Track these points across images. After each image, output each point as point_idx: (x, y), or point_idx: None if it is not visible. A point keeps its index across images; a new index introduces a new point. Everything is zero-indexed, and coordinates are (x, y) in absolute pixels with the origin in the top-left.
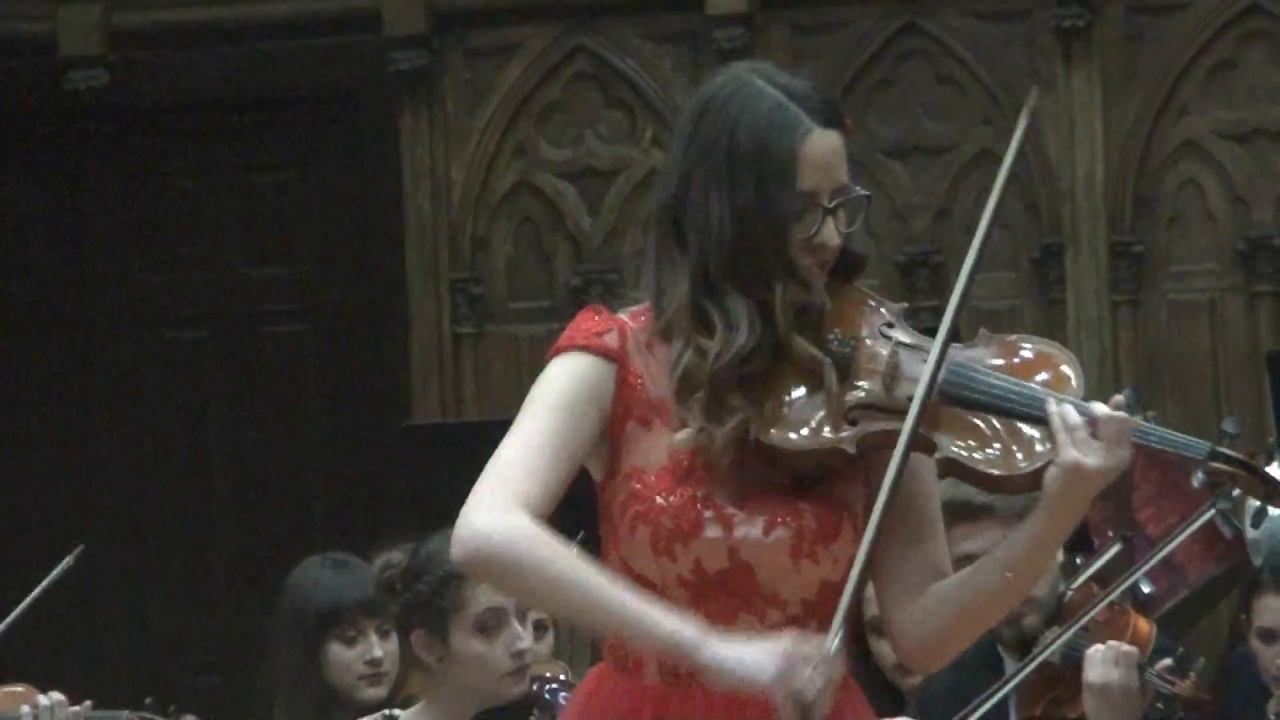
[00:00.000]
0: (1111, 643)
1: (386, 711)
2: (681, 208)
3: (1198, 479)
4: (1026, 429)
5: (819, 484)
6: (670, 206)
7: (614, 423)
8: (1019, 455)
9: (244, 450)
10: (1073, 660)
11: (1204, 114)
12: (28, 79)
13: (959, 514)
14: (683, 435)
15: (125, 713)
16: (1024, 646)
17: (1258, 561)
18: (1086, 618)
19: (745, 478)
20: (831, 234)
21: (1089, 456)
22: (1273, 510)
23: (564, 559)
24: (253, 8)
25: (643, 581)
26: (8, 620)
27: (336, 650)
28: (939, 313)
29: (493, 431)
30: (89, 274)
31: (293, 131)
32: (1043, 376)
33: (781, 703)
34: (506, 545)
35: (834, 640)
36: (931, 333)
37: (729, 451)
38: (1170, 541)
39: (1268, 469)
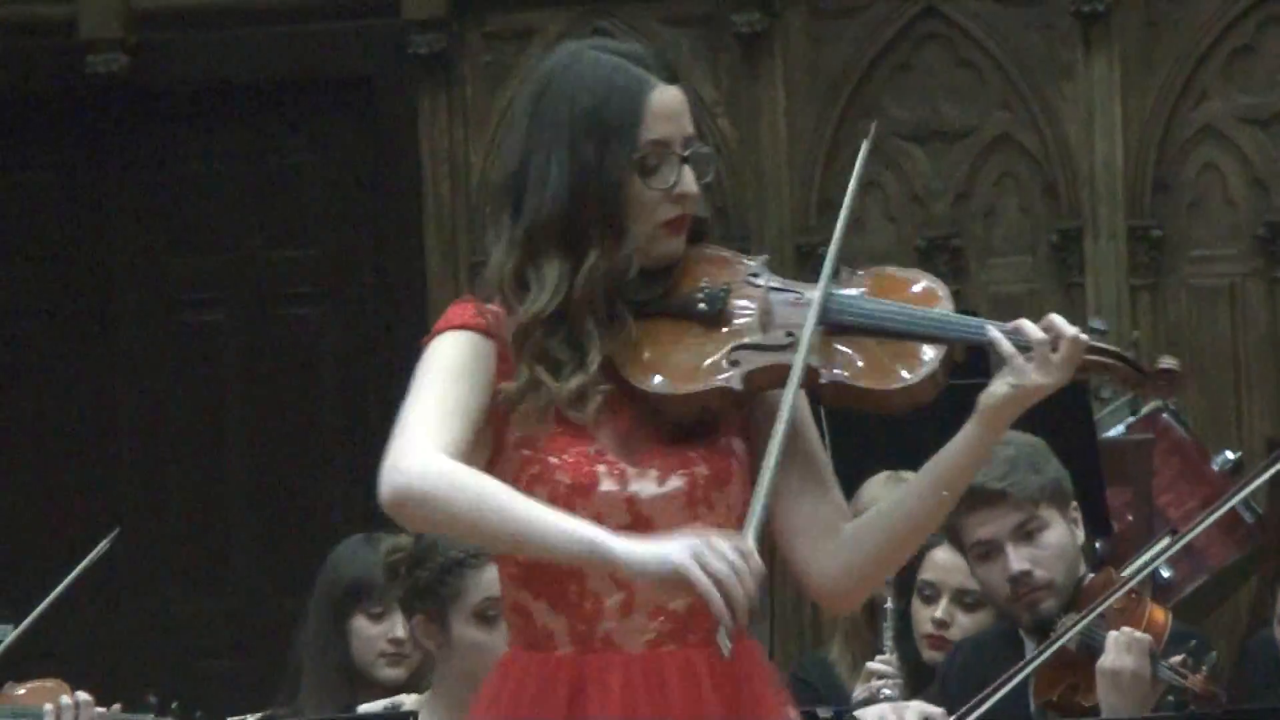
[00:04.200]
0: (1125, 629)
1: (395, 699)
2: (521, 182)
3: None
4: (908, 345)
5: (703, 435)
6: (509, 184)
7: (496, 399)
8: (903, 370)
9: (262, 432)
10: (1089, 647)
11: (1224, 98)
12: (48, 62)
13: (974, 500)
14: (506, 385)
15: (151, 717)
16: (1043, 631)
17: None
18: (1104, 604)
19: (632, 433)
20: (690, 182)
21: (1049, 375)
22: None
23: (482, 484)
24: None
25: None
26: (44, 604)
27: (361, 624)
28: (960, 296)
29: None
30: (108, 257)
31: (312, 115)
32: (916, 290)
33: (704, 589)
34: (424, 479)
35: (750, 532)
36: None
37: (577, 405)
38: (1194, 528)
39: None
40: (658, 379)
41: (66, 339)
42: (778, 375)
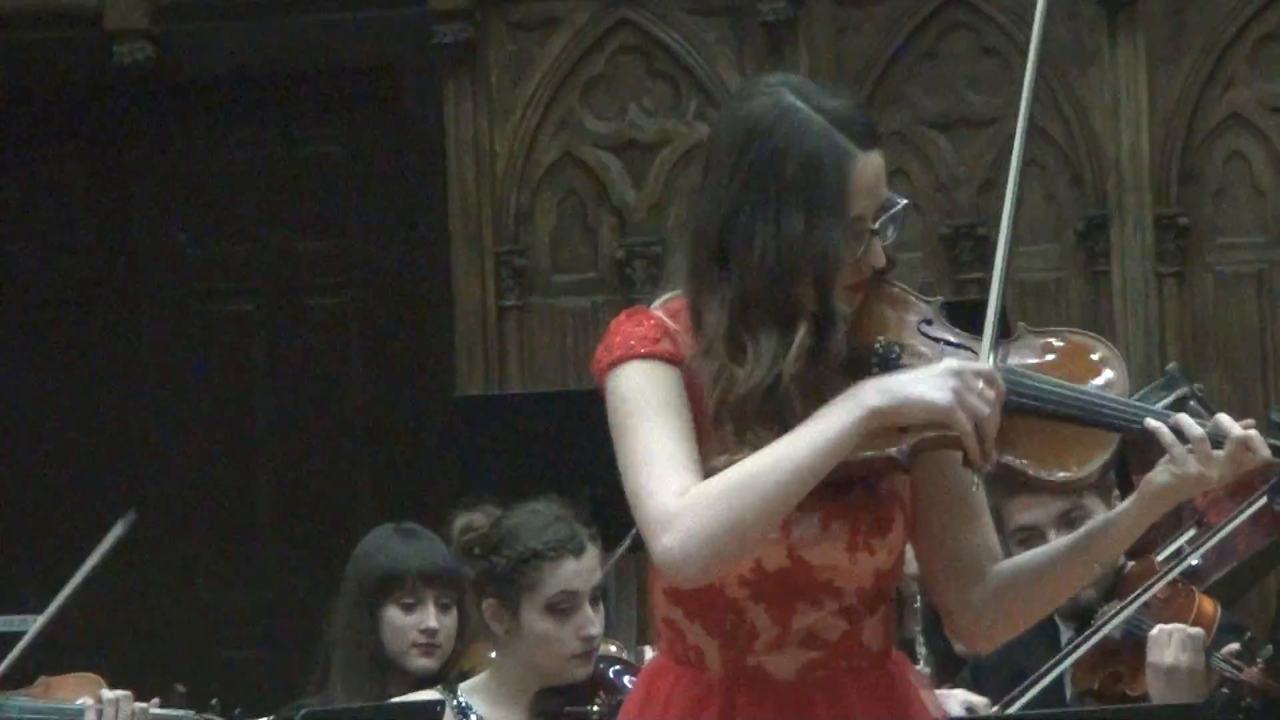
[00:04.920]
0: (1179, 625)
1: (444, 685)
2: (728, 233)
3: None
4: (1074, 432)
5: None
6: (715, 230)
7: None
8: (1071, 461)
9: (288, 423)
10: (1133, 636)
11: (1250, 86)
12: (74, 52)
13: (1018, 486)
14: (721, 461)
15: (190, 713)
16: (1081, 618)
17: None
18: (1148, 594)
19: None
20: (879, 254)
21: (1211, 469)
22: None
23: (735, 474)
24: None
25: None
26: (64, 593)
27: (393, 615)
28: (983, 284)
29: (537, 404)
30: (134, 247)
31: (337, 105)
32: (1096, 380)
33: (960, 422)
34: (688, 536)
35: (988, 355)
36: (975, 306)
37: None
38: (1229, 523)
39: None
40: None
41: (93, 329)
42: (944, 443)
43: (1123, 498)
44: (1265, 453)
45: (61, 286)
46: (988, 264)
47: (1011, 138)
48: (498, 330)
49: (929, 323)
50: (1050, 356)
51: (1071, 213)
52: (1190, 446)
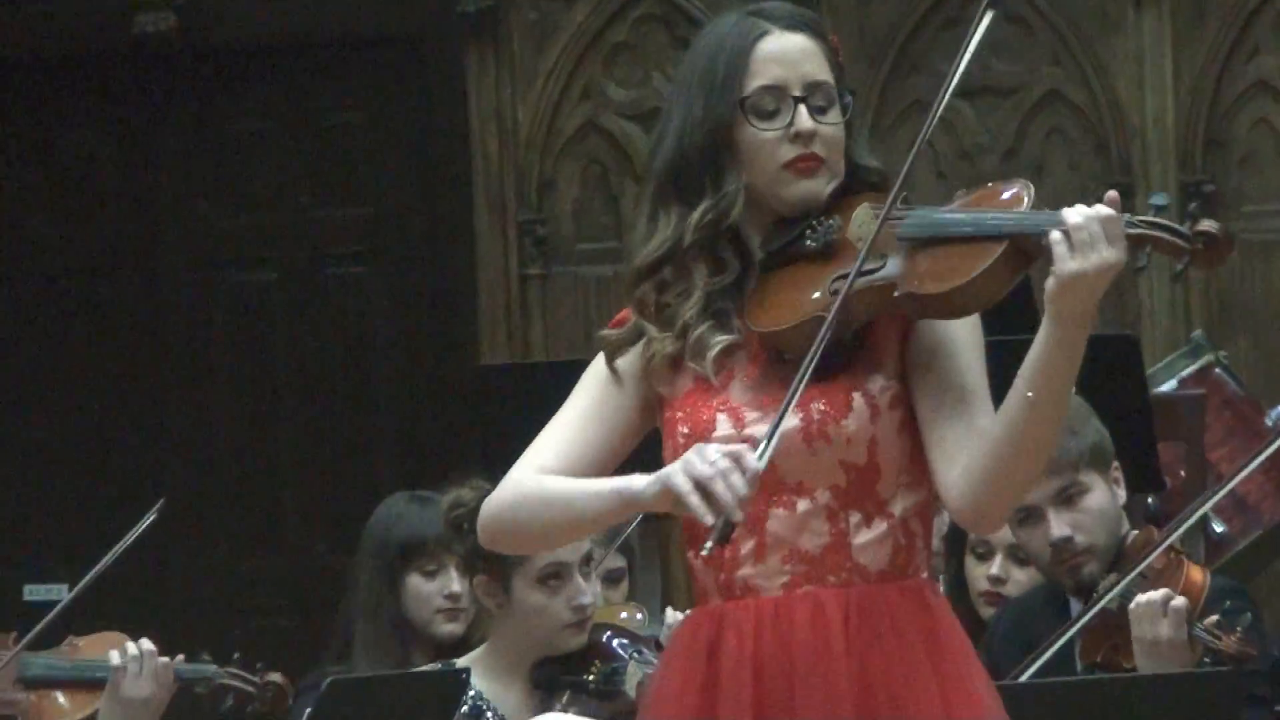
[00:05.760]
0: (1155, 596)
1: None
2: (657, 144)
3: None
4: (974, 247)
5: (836, 371)
6: (653, 148)
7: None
8: (961, 270)
9: (311, 391)
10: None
11: (1276, 54)
12: (96, 22)
13: None
14: (608, 332)
15: (213, 667)
16: (1087, 593)
17: None
18: (1143, 565)
19: (761, 382)
20: (806, 120)
21: (1085, 260)
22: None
23: (540, 485)
24: None
25: None
26: (92, 573)
27: (416, 582)
28: None
29: (560, 372)
30: (156, 216)
31: (359, 73)
32: (1005, 196)
33: (685, 493)
34: (497, 505)
35: (764, 450)
36: None
37: (695, 355)
38: (1233, 478)
39: None
40: (763, 319)
41: (115, 299)
42: (872, 299)
43: (1138, 478)
44: (1113, 210)
45: (83, 256)
46: None
47: (1035, 106)
48: (520, 299)
49: (878, 210)
50: (966, 196)
51: (1095, 180)
52: (1074, 241)
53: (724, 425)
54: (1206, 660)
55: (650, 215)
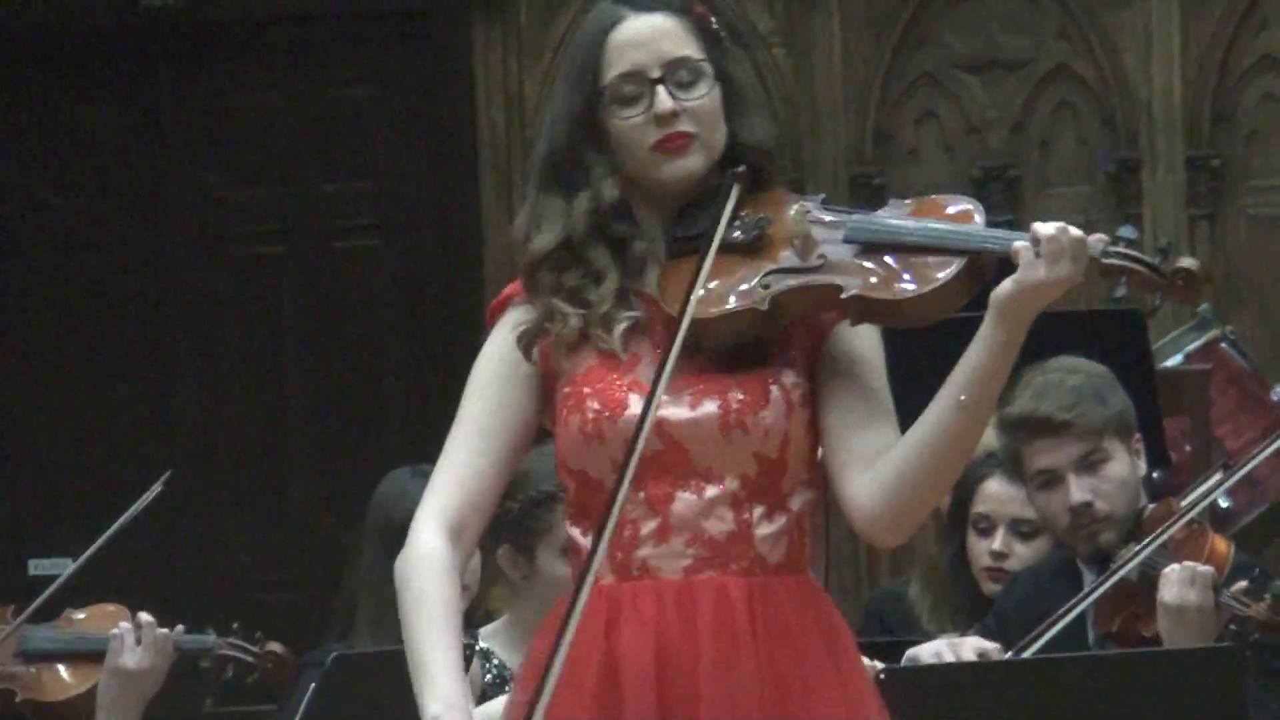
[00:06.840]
0: (1187, 563)
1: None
2: (537, 140)
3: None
4: (928, 258)
5: (751, 367)
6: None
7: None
8: (915, 280)
9: (320, 365)
10: (1150, 577)
11: None
12: None
13: (1038, 429)
14: (519, 314)
15: (213, 638)
16: (1101, 561)
17: None
18: (1165, 535)
19: (676, 366)
20: (665, 101)
21: (1052, 271)
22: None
23: (414, 599)
24: None
25: (583, 479)
26: (98, 542)
27: None
28: (1015, 227)
29: None
30: (165, 191)
31: (367, 47)
32: (952, 211)
33: None
34: (398, 569)
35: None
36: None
37: (602, 330)
38: (1255, 457)
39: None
40: (687, 304)
41: (125, 273)
42: (810, 298)
43: (1149, 447)
44: (1110, 250)
45: (92, 230)
46: (1020, 206)
47: (1042, 80)
48: None
49: (806, 210)
50: (917, 209)
51: (1103, 155)
52: (1046, 250)
53: (635, 405)
54: (1232, 627)
55: (534, 202)
